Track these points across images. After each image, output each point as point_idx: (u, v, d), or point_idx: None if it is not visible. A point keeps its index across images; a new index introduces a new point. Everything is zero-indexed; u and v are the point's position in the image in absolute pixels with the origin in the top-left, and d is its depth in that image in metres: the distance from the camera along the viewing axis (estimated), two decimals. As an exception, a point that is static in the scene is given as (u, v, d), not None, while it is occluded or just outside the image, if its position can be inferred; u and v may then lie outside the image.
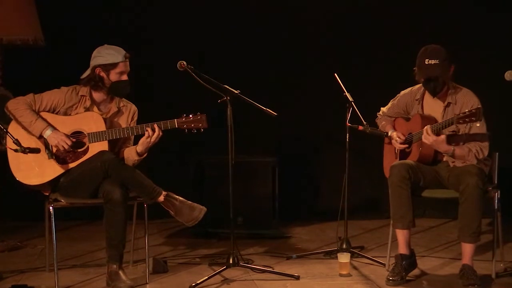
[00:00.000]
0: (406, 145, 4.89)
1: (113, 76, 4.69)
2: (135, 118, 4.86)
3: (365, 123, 5.08)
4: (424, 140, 4.65)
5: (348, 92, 5.19)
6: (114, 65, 4.67)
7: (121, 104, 4.82)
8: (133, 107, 4.87)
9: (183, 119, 4.65)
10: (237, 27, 6.50)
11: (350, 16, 6.58)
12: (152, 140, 4.61)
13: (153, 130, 4.60)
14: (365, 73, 6.47)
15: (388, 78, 6.27)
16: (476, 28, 6.42)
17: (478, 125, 4.60)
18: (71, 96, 4.72)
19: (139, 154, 4.68)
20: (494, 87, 5.39)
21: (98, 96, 4.77)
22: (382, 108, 5.15)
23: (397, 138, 4.92)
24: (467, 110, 4.49)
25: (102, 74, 4.69)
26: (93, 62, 4.70)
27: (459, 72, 4.80)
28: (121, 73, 4.69)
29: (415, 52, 4.77)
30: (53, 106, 4.70)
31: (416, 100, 4.90)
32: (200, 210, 4.65)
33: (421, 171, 4.73)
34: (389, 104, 5.09)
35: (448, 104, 4.77)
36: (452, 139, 4.68)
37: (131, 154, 4.71)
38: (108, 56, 4.66)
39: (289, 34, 6.56)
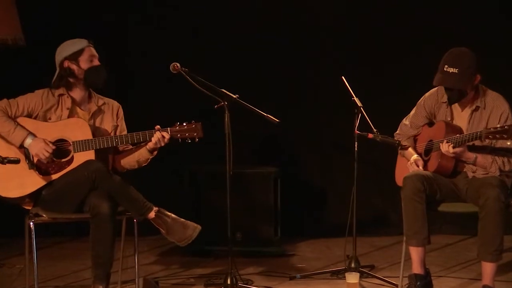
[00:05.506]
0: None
1: (83, 64, 4.70)
2: (121, 115, 4.86)
3: (375, 130, 5.06)
4: (445, 152, 4.61)
5: (356, 96, 5.18)
6: (80, 52, 4.69)
7: (101, 103, 4.81)
8: (115, 104, 4.86)
9: (177, 127, 4.65)
10: (236, 27, 6.49)
11: (359, 16, 6.57)
12: (163, 144, 4.66)
13: (164, 136, 4.63)
14: (375, 76, 6.46)
15: (400, 81, 6.26)
16: (499, 32, 6.38)
17: (508, 143, 4.49)
18: (47, 98, 4.71)
19: (150, 152, 4.71)
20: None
21: (76, 94, 4.75)
22: (403, 121, 5.00)
23: (413, 162, 4.83)
24: (498, 126, 4.41)
25: (72, 66, 4.70)
26: (58, 58, 4.73)
27: (488, 78, 4.75)
28: (91, 57, 4.71)
29: (429, 54, 4.76)
30: (30, 110, 4.68)
31: (444, 102, 4.82)
32: (194, 229, 4.63)
33: (437, 183, 4.71)
34: (413, 111, 4.96)
35: (477, 108, 4.71)
36: (477, 149, 4.64)
37: (142, 154, 4.73)
38: (71, 46, 4.71)
39: (293, 34, 6.55)
